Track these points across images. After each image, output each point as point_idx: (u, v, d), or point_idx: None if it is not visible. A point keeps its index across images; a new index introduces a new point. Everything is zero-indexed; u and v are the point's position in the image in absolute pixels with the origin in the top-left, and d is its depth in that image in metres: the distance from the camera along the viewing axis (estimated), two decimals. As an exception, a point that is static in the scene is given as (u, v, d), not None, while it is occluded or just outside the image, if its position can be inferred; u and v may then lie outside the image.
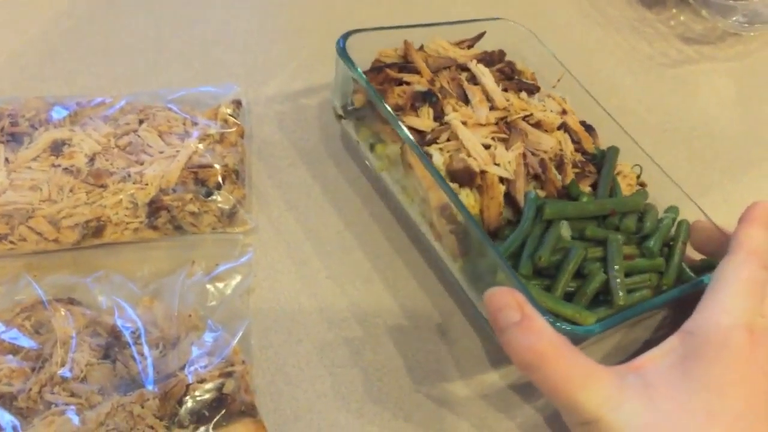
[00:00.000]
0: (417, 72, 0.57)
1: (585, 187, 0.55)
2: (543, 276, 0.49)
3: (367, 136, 0.57)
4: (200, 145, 0.57)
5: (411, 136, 0.50)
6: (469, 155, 0.52)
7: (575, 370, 0.39)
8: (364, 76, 0.54)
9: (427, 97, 0.55)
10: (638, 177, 0.58)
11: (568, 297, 0.48)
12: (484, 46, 0.64)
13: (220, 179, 0.55)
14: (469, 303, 0.52)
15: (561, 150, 0.56)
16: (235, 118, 0.60)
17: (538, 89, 0.61)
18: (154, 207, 0.53)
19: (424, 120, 0.54)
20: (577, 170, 0.56)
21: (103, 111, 0.59)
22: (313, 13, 0.74)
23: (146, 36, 0.70)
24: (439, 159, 0.52)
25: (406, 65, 0.58)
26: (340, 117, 0.59)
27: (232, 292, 0.51)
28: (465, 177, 0.51)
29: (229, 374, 0.45)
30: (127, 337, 0.47)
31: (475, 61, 0.59)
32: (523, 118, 0.56)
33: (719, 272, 0.44)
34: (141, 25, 0.71)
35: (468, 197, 0.51)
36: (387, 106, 0.52)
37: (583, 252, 0.48)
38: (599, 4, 0.79)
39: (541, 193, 0.54)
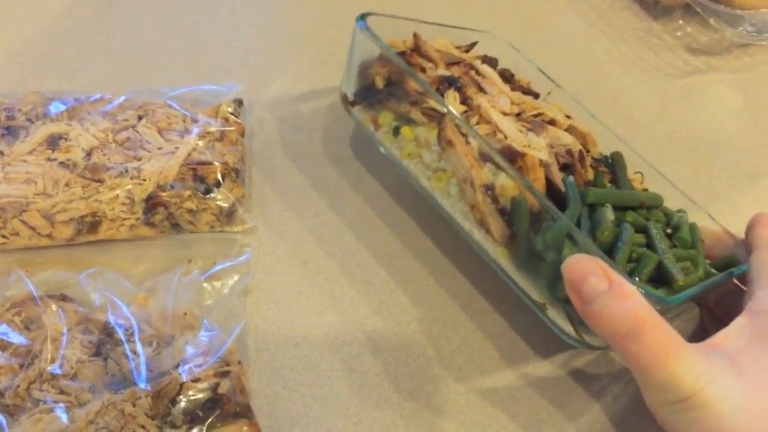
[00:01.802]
0: (430, 61, 0.55)
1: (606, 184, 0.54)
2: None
3: (389, 120, 0.53)
4: (200, 142, 0.55)
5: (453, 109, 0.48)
6: (506, 137, 0.50)
7: (672, 340, 0.37)
8: (392, 49, 0.51)
9: (453, 81, 0.53)
10: (641, 184, 0.57)
11: None
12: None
13: (219, 177, 0.54)
14: (499, 295, 0.50)
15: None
16: (236, 116, 0.59)
17: (537, 95, 0.60)
18: (151, 203, 0.51)
19: (452, 104, 0.52)
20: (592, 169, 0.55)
21: (102, 106, 0.58)
22: (317, 16, 0.73)
23: (148, 35, 0.69)
24: (473, 141, 0.48)
25: (418, 55, 0.56)
26: (351, 104, 0.56)
27: (229, 292, 0.50)
28: (505, 158, 0.47)
29: (224, 374, 0.44)
30: (120, 334, 0.45)
31: (479, 61, 0.58)
32: (536, 116, 0.54)
33: (758, 264, 0.44)
34: (143, 24, 0.70)
35: (507, 181, 0.47)
36: (422, 79, 0.49)
37: (634, 233, 0.46)
38: (605, 14, 0.79)
39: None
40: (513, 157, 0.48)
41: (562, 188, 0.49)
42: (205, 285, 0.50)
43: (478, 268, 0.54)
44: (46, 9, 0.70)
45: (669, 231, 0.50)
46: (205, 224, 0.53)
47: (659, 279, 0.45)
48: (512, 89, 0.58)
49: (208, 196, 0.53)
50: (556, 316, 0.47)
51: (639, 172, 0.57)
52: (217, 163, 0.54)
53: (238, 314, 0.49)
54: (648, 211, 0.51)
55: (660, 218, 0.50)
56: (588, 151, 0.56)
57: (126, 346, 0.45)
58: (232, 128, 0.58)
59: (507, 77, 0.60)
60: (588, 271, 0.38)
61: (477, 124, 0.51)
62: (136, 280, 0.50)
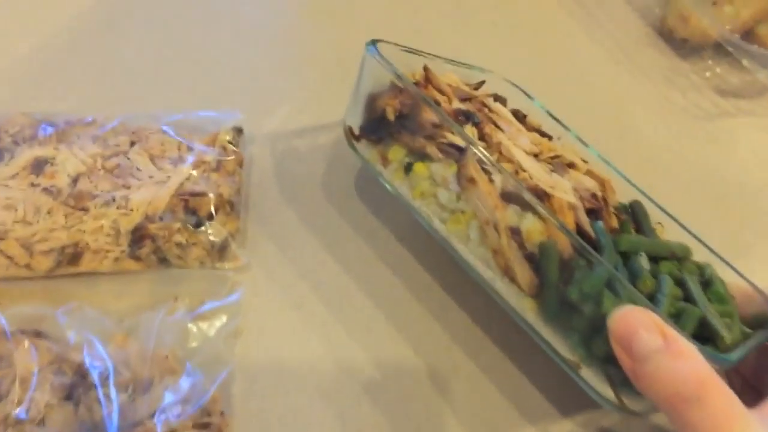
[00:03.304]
0: (443, 96, 0.53)
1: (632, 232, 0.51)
2: None
3: (400, 156, 0.50)
4: (194, 172, 0.54)
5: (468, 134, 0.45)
6: (531, 177, 0.47)
7: (735, 405, 0.34)
8: (406, 76, 0.48)
9: (470, 117, 0.50)
10: (662, 236, 0.55)
11: None
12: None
13: (212, 209, 0.52)
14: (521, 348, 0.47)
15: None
16: (234, 145, 0.57)
17: (551, 138, 0.58)
18: (138, 235, 0.50)
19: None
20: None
21: (93, 130, 0.56)
22: (324, 43, 0.72)
23: (147, 58, 0.67)
24: (497, 178, 0.45)
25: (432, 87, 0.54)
26: (357, 138, 0.53)
27: (216, 334, 0.47)
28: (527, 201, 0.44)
29: (204, 426, 0.41)
30: (94, 377, 0.43)
31: (492, 99, 0.56)
32: (554, 159, 0.52)
33: None
34: (142, 46, 0.69)
35: (534, 224, 0.44)
36: (440, 109, 0.46)
37: (673, 284, 0.44)
38: (630, 52, 0.77)
39: None
40: (539, 198, 0.45)
41: (592, 234, 0.46)
42: (190, 325, 0.47)
43: (491, 317, 0.52)
44: (41, 27, 0.69)
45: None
46: (195, 259, 0.51)
47: (699, 336, 0.42)
48: (527, 130, 0.56)
49: (199, 229, 0.51)
50: (591, 376, 0.43)
51: (659, 223, 0.54)
52: (211, 195, 0.52)
53: (225, 359, 0.46)
54: (679, 263, 0.48)
55: (693, 270, 0.48)
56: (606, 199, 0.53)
57: (99, 390, 0.42)
58: (230, 158, 0.56)
59: (519, 118, 0.58)
60: (639, 325, 0.36)
61: (498, 162, 0.48)
62: (116, 318, 0.48)
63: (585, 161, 0.55)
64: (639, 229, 0.52)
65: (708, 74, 0.75)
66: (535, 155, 0.51)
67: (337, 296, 0.52)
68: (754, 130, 0.71)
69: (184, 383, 0.43)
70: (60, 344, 0.45)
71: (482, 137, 0.49)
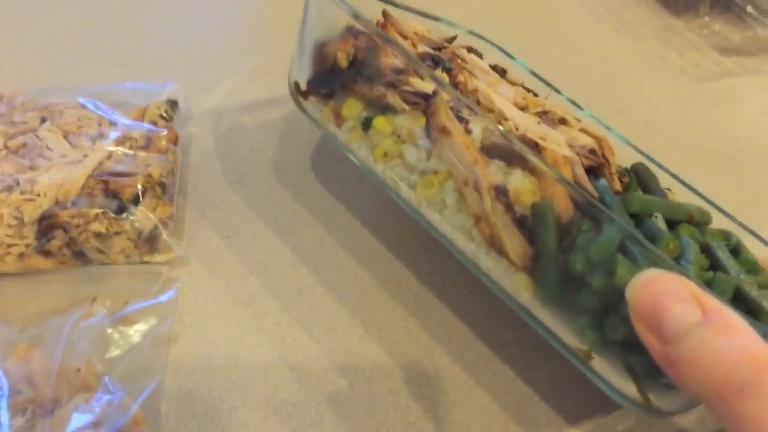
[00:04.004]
0: (406, 39, 0.45)
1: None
2: None
3: (357, 110, 0.42)
4: (119, 149, 0.45)
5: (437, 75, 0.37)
6: (516, 128, 0.39)
7: None
8: (360, 13, 0.40)
9: (439, 61, 0.42)
10: None
11: None
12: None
13: (139, 192, 0.44)
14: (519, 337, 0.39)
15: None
16: (167, 120, 0.49)
17: (536, 95, 0.50)
18: (46, 224, 0.41)
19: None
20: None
21: (-2, 108, 0.48)
22: (273, 11, 0.64)
23: (68, 30, 0.59)
24: (477, 130, 0.37)
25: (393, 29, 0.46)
26: (305, 95, 0.45)
27: (142, 340, 0.39)
28: (514, 153, 0.36)
29: (122, 455, 0.33)
30: (-16, 399, 0.34)
31: (465, 50, 0.48)
32: (541, 114, 0.44)
33: None
34: (64, 17, 0.61)
35: (523, 182, 0.36)
36: (404, 47, 0.39)
37: (698, 250, 0.36)
38: (615, 9, 0.70)
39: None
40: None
41: (594, 193, 0.38)
42: (109, 331, 0.39)
43: (477, 308, 0.44)
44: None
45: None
46: (119, 253, 0.43)
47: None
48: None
49: (122, 216, 0.43)
50: (605, 367, 0.35)
51: (668, 189, 0.47)
52: (137, 175, 0.44)
53: (153, 369, 0.38)
54: (699, 229, 0.41)
55: (717, 236, 0.40)
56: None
57: (-10, 415, 0.34)
58: (162, 133, 0.48)
59: (498, 72, 0.50)
60: (671, 295, 0.28)
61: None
62: (20, 326, 0.39)
63: (578, 119, 0.47)
64: (647, 192, 0.44)
65: (705, 31, 0.68)
66: (521, 108, 0.43)
67: (292, 291, 0.44)
68: (762, 90, 0.64)
69: (100, 401, 0.35)
70: (-54, 361, 0.37)
71: (455, 85, 0.41)
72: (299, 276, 0.45)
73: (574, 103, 0.50)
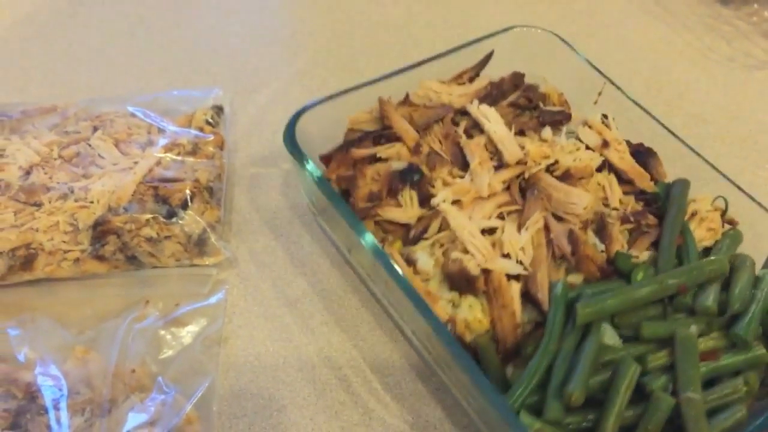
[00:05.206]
0: (398, 138, 0.47)
1: (642, 251, 0.44)
2: (589, 405, 0.36)
3: (342, 239, 0.45)
4: (168, 155, 0.47)
5: (379, 246, 0.39)
6: (465, 251, 0.41)
7: None
8: (316, 172, 0.43)
9: (408, 177, 0.44)
10: (724, 213, 0.46)
11: None
12: (498, 67, 0.53)
13: (188, 197, 0.45)
14: None
15: (605, 202, 0.45)
16: (213, 126, 0.51)
17: (568, 118, 0.50)
18: (100, 230, 0.43)
19: (407, 209, 0.43)
20: (629, 226, 0.45)
21: (52, 118, 0.50)
22: (313, 14, 0.66)
23: (118, 41, 0.62)
24: (428, 262, 0.41)
25: (383, 132, 0.47)
26: (314, 214, 0.48)
27: (193, 341, 0.41)
28: (462, 282, 0.40)
29: (177, 453, 0.35)
30: (46, 399, 0.37)
31: (476, 102, 0.48)
32: (547, 169, 0.45)
33: None
34: (113, 29, 0.63)
35: (472, 309, 0.40)
36: (349, 210, 0.41)
37: (636, 367, 0.36)
38: (663, 0, 0.69)
39: (576, 279, 0.42)
40: (470, 280, 0.40)
41: (544, 306, 0.40)
42: (162, 332, 0.41)
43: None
44: (2, 17, 0.63)
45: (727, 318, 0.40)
46: (170, 256, 0.45)
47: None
48: (527, 125, 0.48)
49: (171, 220, 0.44)
50: None
51: (721, 196, 0.46)
52: (186, 181, 0.46)
53: (205, 370, 0.40)
54: (694, 297, 0.40)
55: (708, 308, 0.39)
56: (633, 193, 0.46)
57: (51, 414, 0.36)
58: (209, 139, 0.50)
59: (524, 105, 0.50)
60: None
61: (439, 230, 0.43)
62: (76, 329, 0.41)
63: (607, 143, 0.47)
64: (664, 217, 0.45)
65: (755, 19, 0.67)
66: (517, 176, 0.46)
67: (339, 291, 0.46)
68: (817, 78, 0.63)
69: (154, 401, 0.37)
70: (8, 363, 0.39)
71: (424, 198, 0.44)
72: (345, 275, 0.47)
73: (627, 96, 0.50)
